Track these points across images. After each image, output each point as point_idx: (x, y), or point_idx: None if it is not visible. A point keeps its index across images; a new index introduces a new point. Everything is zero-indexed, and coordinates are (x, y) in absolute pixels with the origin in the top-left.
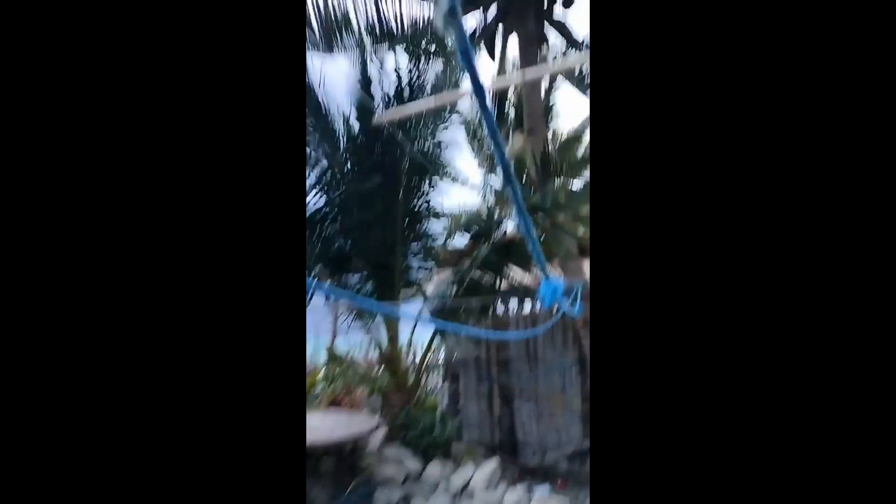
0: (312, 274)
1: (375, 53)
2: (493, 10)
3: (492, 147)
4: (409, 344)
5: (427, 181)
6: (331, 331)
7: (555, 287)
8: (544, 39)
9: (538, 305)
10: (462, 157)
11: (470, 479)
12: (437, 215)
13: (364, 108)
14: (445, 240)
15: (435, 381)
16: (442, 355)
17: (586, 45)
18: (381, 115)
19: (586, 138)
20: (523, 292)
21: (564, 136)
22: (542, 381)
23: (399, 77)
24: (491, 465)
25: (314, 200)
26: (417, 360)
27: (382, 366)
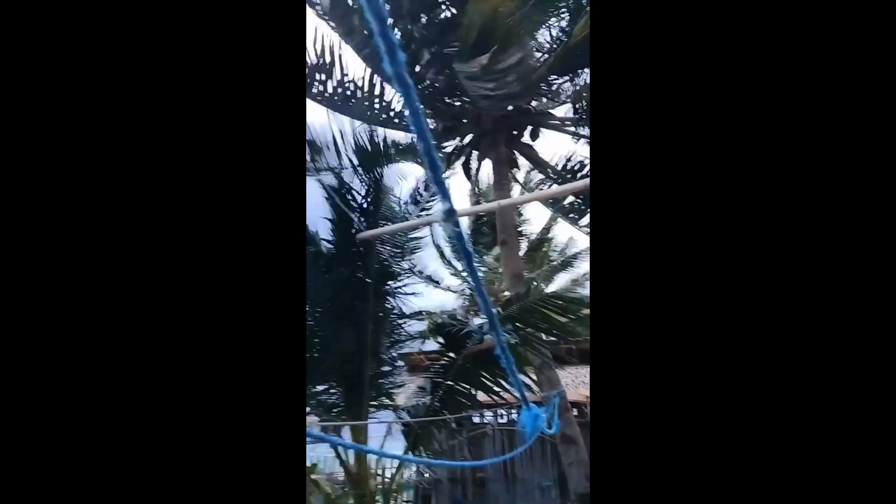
0: None
1: (356, 174)
2: (468, 137)
3: (465, 268)
4: (378, 461)
5: (398, 287)
6: None
7: (536, 415)
8: (514, 164)
9: (516, 418)
10: (436, 260)
11: None
12: (410, 317)
13: (341, 223)
14: (419, 344)
15: (406, 502)
16: (413, 474)
17: (551, 168)
18: (362, 233)
19: (553, 240)
20: (501, 403)
21: (535, 240)
22: (520, 502)
23: (378, 197)
24: None
25: None
26: (387, 479)
27: (348, 485)
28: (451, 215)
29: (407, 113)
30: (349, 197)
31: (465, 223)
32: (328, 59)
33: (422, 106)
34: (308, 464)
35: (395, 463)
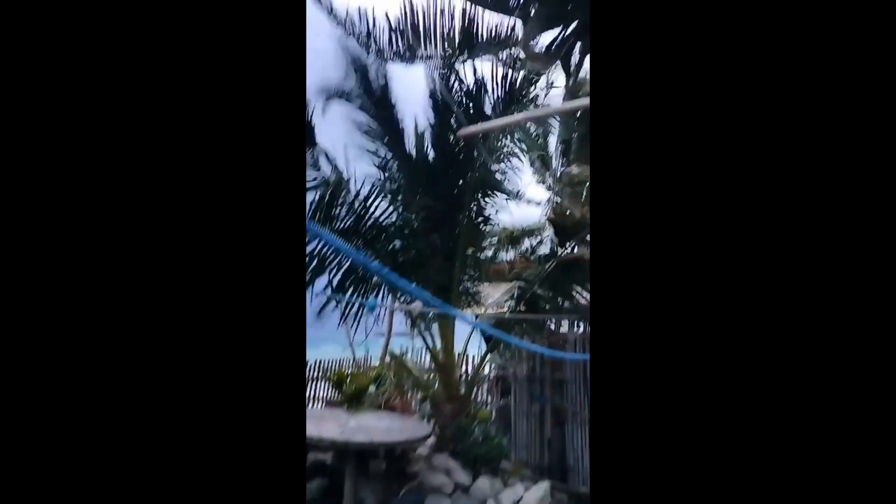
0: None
1: (455, 65)
2: (573, 25)
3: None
4: (464, 354)
5: (491, 196)
6: (385, 334)
7: None
8: None
9: None
10: (525, 174)
11: (520, 500)
12: (499, 230)
13: (441, 122)
14: (505, 254)
15: (486, 394)
16: (495, 370)
17: None
18: (462, 129)
19: None
20: (584, 313)
21: None
22: None
23: (480, 90)
24: (542, 488)
25: (386, 214)
26: (471, 372)
27: (435, 373)
28: None
29: None
30: (450, 89)
31: (556, 124)
32: None
33: None
34: (398, 352)
35: (477, 359)
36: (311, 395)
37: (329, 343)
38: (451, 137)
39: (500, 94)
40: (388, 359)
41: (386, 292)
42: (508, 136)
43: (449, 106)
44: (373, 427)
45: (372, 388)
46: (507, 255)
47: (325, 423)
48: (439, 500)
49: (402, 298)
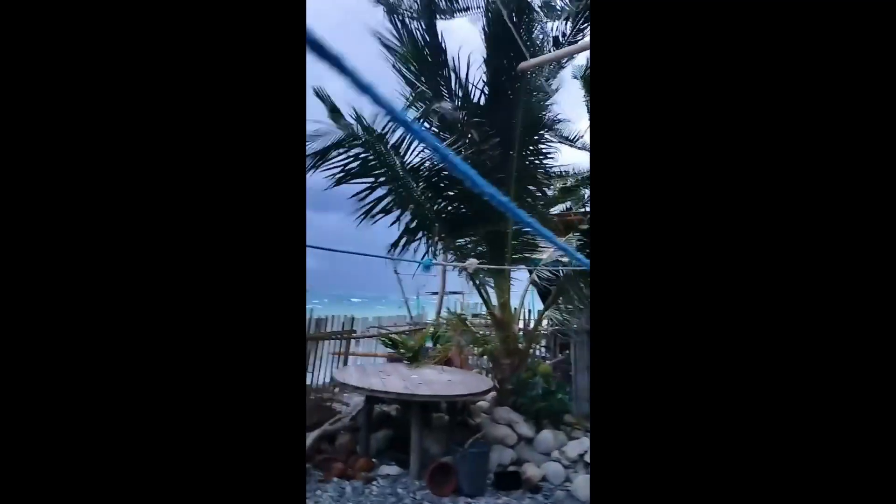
0: (432, 232)
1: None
2: None
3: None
4: (521, 308)
5: (544, 142)
6: (440, 289)
7: None
8: None
9: None
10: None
11: (586, 452)
12: (555, 176)
13: (496, 62)
14: (565, 203)
15: (545, 349)
16: (553, 325)
17: None
18: (522, 63)
19: None
20: None
21: None
22: None
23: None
24: None
25: (437, 160)
26: (530, 326)
27: (493, 328)
28: None
29: None
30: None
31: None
32: None
33: None
34: (452, 309)
35: (535, 315)
36: (372, 352)
37: (382, 303)
38: (508, 74)
39: (560, 25)
40: (443, 315)
41: (439, 250)
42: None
43: (509, 35)
44: (435, 381)
45: (429, 344)
46: (565, 206)
47: (389, 378)
48: (503, 451)
49: (455, 256)
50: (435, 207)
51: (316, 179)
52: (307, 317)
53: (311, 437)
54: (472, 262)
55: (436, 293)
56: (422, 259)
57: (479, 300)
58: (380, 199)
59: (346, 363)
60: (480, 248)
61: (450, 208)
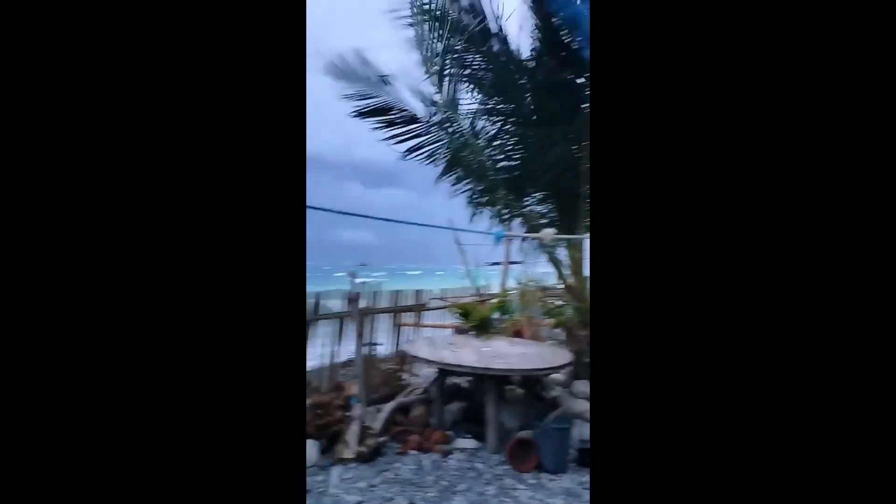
0: (495, 199)
1: None
2: None
3: None
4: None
5: None
6: (504, 259)
7: None
8: None
9: None
10: None
11: None
12: None
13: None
14: None
15: None
16: None
17: None
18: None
19: None
20: None
21: None
22: None
23: None
24: None
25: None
26: None
27: (567, 299)
28: None
29: None
30: None
31: None
32: None
33: None
34: (519, 279)
35: None
36: (438, 323)
37: (443, 276)
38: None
39: None
40: (510, 286)
41: (507, 219)
42: None
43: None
44: (508, 354)
45: (496, 316)
46: None
47: (460, 351)
48: (583, 426)
49: (525, 226)
50: (501, 176)
51: (377, 155)
52: (377, 290)
53: (386, 410)
54: (549, 232)
55: (497, 263)
56: (494, 231)
57: (543, 270)
58: (447, 169)
59: (415, 335)
60: (552, 216)
61: (517, 173)
